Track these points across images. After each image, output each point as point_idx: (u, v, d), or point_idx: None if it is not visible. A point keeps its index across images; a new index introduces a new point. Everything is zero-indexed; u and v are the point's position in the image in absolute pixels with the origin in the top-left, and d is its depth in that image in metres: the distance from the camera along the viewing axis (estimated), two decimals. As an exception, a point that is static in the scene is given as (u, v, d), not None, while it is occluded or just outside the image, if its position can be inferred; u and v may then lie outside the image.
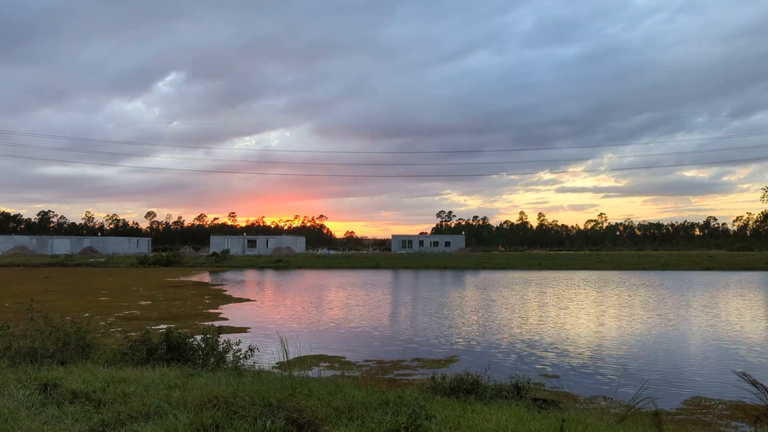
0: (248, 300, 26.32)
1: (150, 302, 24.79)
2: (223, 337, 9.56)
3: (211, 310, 21.97)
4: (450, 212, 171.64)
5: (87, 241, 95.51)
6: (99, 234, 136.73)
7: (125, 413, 5.48)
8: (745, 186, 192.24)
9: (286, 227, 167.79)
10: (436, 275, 47.27)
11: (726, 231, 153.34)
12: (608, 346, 14.45)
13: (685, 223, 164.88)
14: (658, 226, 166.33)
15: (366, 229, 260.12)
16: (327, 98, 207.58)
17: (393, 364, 12.34)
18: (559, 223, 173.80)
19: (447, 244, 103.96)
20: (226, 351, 9.12)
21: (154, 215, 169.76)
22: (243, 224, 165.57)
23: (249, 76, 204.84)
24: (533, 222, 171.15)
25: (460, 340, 15.51)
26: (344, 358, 13.04)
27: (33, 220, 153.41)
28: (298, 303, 25.13)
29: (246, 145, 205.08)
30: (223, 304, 24.43)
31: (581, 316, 20.29)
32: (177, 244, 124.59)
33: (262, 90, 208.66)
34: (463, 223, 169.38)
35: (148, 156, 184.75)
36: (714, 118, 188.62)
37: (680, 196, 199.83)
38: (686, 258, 66.13)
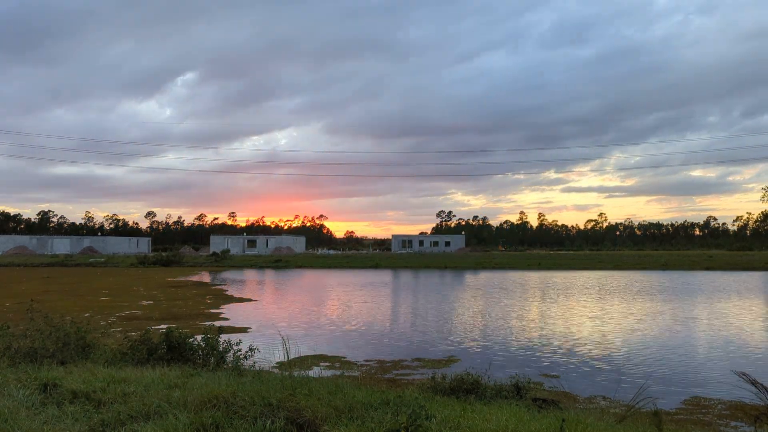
0: (249, 300, 26.33)
1: (151, 302, 24.79)
2: (223, 337, 9.56)
3: (212, 310, 21.97)
4: (450, 212, 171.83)
5: (87, 241, 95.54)
6: (99, 234, 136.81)
7: (125, 413, 5.49)
8: (751, 186, 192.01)
9: (286, 227, 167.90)
10: (436, 275, 47.28)
11: (726, 231, 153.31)
12: (608, 346, 14.44)
13: (685, 223, 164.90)
14: (658, 226, 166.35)
15: (368, 229, 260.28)
16: (340, 99, 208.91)
17: (393, 364, 12.35)
18: (560, 223, 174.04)
19: (447, 244, 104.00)
20: (226, 351, 9.12)
21: (154, 215, 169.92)
22: (243, 224, 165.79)
23: (264, 77, 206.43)
24: (533, 222, 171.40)
25: (461, 340, 15.51)
26: (344, 357, 13.04)
27: (33, 220, 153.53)
28: (299, 303, 25.14)
29: (255, 144, 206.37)
30: (224, 304, 24.43)
31: (581, 316, 20.29)
32: (177, 244, 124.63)
33: (276, 91, 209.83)
34: (463, 222, 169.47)
35: (154, 156, 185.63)
36: (725, 117, 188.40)
37: (684, 196, 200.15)
38: (686, 258, 66.13)
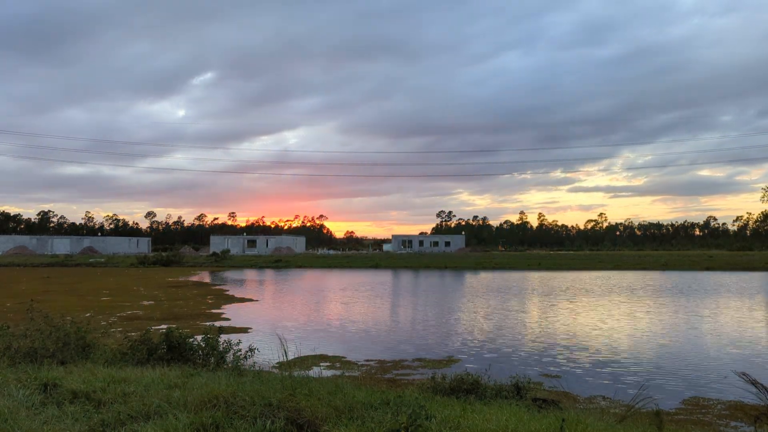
0: (250, 300, 26.33)
1: (152, 302, 24.79)
2: (223, 337, 9.56)
3: (213, 310, 21.97)
4: (450, 212, 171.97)
5: (87, 241, 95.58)
6: (99, 234, 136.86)
7: (125, 413, 5.48)
8: (758, 185, 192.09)
9: (285, 227, 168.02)
10: (436, 275, 47.28)
11: (726, 231, 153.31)
12: (608, 346, 14.44)
13: (686, 223, 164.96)
14: (658, 226, 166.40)
15: (370, 229, 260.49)
16: (352, 100, 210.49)
17: (393, 364, 12.35)
18: (560, 223, 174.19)
19: (447, 244, 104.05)
20: (226, 351, 9.12)
21: (154, 215, 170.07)
22: (243, 224, 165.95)
23: (278, 78, 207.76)
24: (533, 222, 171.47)
25: (461, 340, 15.51)
26: (344, 357, 13.04)
27: (33, 220, 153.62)
28: (299, 303, 25.14)
29: (264, 145, 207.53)
30: (225, 304, 24.43)
31: (581, 317, 20.29)
32: (177, 244, 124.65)
33: (289, 91, 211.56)
34: (463, 223, 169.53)
35: (162, 156, 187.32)
36: (740, 117, 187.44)
37: (690, 196, 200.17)
38: (686, 258, 66.11)
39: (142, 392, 6.17)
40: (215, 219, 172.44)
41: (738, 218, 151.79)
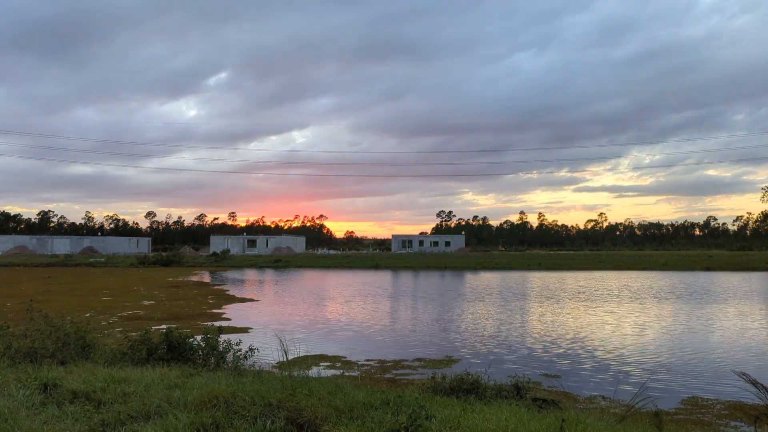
0: (251, 300, 26.32)
1: (152, 302, 24.79)
2: (223, 337, 9.56)
3: (214, 310, 21.96)
4: (450, 212, 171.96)
5: (87, 241, 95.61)
6: (99, 234, 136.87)
7: (125, 413, 5.49)
8: (765, 185, 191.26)
9: (285, 227, 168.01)
10: (436, 275, 47.28)
11: (726, 231, 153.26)
12: (608, 346, 14.44)
13: (686, 223, 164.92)
14: (658, 226, 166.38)
15: (373, 229, 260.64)
16: (364, 101, 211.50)
17: (393, 364, 12.34)
18: (560, 223, 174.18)
19: (447, 244, 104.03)
20: (226, 351, 9.12)
21: (155, 215, 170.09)
22: (243, 224, 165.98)
23: (291, 79, 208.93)
24: (533, 222, 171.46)
25: (461, 340, 15.51)
26: (344, 357, 13.04)
27: (33, 220, 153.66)
28: (299, 303, 25.14)
29: (272, 145, 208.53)
30: (226, 304, 24.43)
31: (581, 317, 20.29)
32: (177, 244, 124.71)
33: (302, 92, 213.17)
34: (463, 223, 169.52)
35: (166, 156, 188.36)
36: (752, 116, 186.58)
37: (696, 196, 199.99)
38: (686, 258, 66.11)
39: (142, 392, 6.17)
40: (215, 219, 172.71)
41: (738, 218, 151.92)
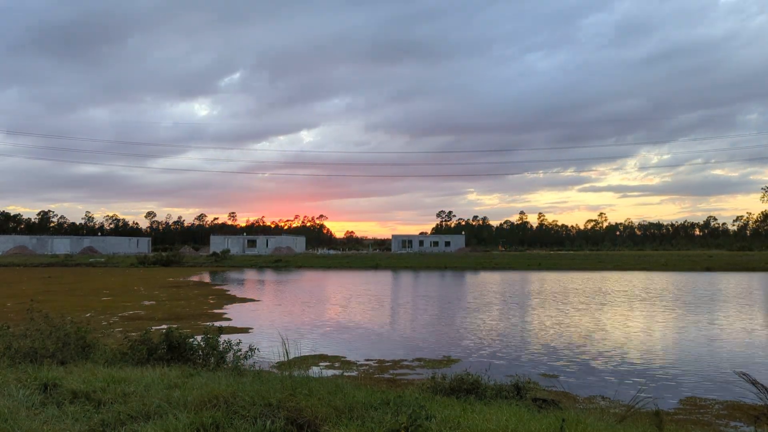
0: (252, 300, 26.32)
1: (153, 302, 24.79)
2: (223, 337, 9.56)
3: (215, 311, 21.96)
4: (450, 212, 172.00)
5: (87, 241, 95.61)
6: (99, 234, 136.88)
7: (125, 413, 5.49)
8: (765, 185, 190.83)
9: (285, 227, 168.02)
10: (437, 275, 47.28)
11: (726, 231, 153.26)
12: (608, 346, 14.44)
13: (686, 223, 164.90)
14: (658, 226, 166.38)
15: (376, 229, 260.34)
16: (376, 101, 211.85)
17: (393, 364, 12.34)
18: (560, 223, 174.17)
19: (447, 244, 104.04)
20: (226, 351, 9.12)
21: (155, 215, 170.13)
22: (243, 224, 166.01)
23: (303, 80, 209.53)
24: (533, 222, 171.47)
25: (461, 340, 15.51)
26: (344, 357, 13.04)
27: (33, 219, 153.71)
28: (300, 303, 25.14)
29: (280, 145, 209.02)
30: (227, 304, 24.43)
31: (580, 317, 20.28)
32: (177, 244, 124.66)
33: (314, 93, 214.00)
34: (463, 223, 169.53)
35: (170, 157, 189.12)
36: (764, 115, 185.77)
37: (700, 196, 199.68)
38: (686, 258, 66.11)
39: (142, 392, 6.17)
40: (215, 219, 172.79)
41: (738, 218, 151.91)
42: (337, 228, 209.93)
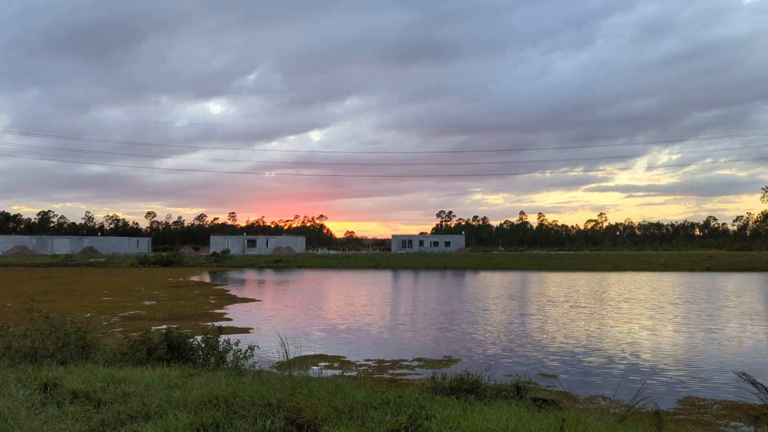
0: (252, 300, 26.33)
1: (154, 302, 24.79)
2: (223, 337, 9.56)
3: (215, 311, 21.96)
4: (450, 212, 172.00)
5: (87, 241, 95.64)
6: (99, 234, 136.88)
7: (125, 413, 5.49)
8: (766, 185, 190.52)
9: (285, 227, 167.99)
10: (437, 275, 47.28)
11: (726, 231, 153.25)
12: (608, 346, 14.44)
13: (686, 223, 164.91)
14: (658, 226, 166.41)
15: (378, 229, 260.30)
16: (391, 101, 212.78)
17: (393, 364, 12.34)
18: (560, 223, 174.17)
19: (447, 244, 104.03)
20: (226, 351, 9.11)
21: (155, 215, 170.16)
22: (243, 224, 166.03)
23: (319, 81, 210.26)
24: (533, 222, 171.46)
25: (461, 340, 15.51)
26: (344, 357, 13.04)
27: (33, 220, 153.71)
28: (299, 303, 25.14)
29: (290, 145, 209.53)
30: (227, 304, 24.42)
31: (580, 317, 20.29)
32: (177, 244, 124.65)
33: (330, 94, 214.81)
34: (463, 222, 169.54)
35: (176, 157, 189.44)
36: None
37: (706, 196, 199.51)
38: (686, 258, 66.10)
39: (142, 392, 6.17)
40: (215, 219, 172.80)
41: (738, 218, 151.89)
42: (338, 228, 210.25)
